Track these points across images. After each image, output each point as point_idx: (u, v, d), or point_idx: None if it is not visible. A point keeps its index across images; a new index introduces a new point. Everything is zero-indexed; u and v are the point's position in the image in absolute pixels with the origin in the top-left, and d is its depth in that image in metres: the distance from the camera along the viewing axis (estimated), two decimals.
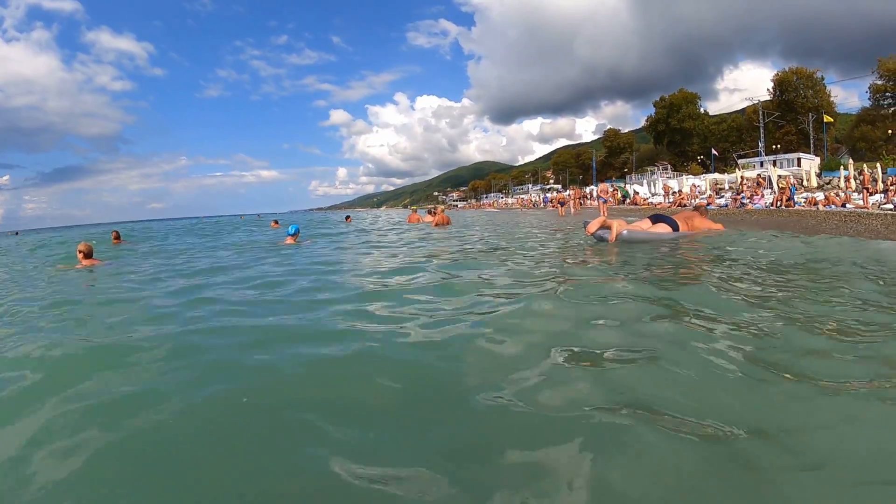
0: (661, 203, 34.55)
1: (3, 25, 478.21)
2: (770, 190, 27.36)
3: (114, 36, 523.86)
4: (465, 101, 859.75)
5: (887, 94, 62.66)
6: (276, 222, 28.16)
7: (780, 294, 4.69)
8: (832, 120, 61.77)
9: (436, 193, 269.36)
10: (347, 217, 36.15)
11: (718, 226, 11.15)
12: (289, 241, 14.20)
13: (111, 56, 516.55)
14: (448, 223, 19.63)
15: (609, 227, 9.69)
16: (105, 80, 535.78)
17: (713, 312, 3.96)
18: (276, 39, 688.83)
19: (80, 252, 10.55)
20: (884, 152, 47.80)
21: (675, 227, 9.87)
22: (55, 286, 7.83)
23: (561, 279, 5.93)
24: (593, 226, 10.05)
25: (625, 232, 9.47)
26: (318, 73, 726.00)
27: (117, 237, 19.40)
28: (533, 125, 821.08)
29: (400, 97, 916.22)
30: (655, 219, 10.12)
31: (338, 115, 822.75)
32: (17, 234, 74.64)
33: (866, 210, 18.49)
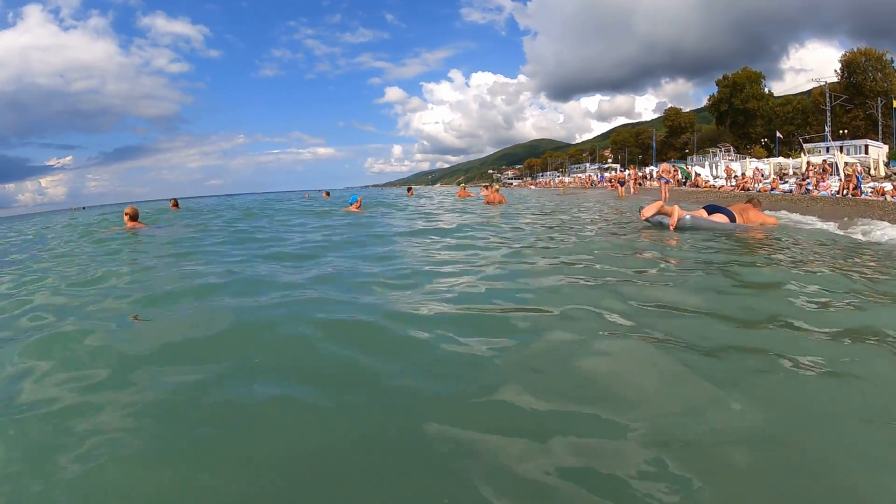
0: (723, 186, 34.12)
1: (59, 14, 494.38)
2: (836, 177, 26.50)
3: (169, 20, 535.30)
4: (521, 78, 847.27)
5: None
6: (328, 193, 32.49)
7: None
8: None
9: (490, 171, 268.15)
10: (409, 189, 37.19)
11: (773, 220, 10.41)
12: (352, 208, 16.58)
13: (167, 40, 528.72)
14: (502, 202, 19.52)
15: (668, 214, 9.33)
16: (162, 63, 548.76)
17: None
18: (330, 18, 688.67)
19: (126, 214, 11.64)
20: None
21: (732, 218, 9.38)
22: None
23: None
24: (649, 210, 9.74)
25: (688, 217, 9.08)
26: (372, 50, 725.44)
27: (175, 204, 21.61)
28: (591, 102, 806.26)
29: (455, 74, 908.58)
30: (711, 209, 9.65)
31: (393, 93, 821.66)
32: (83, 208, 78.84)
33: None
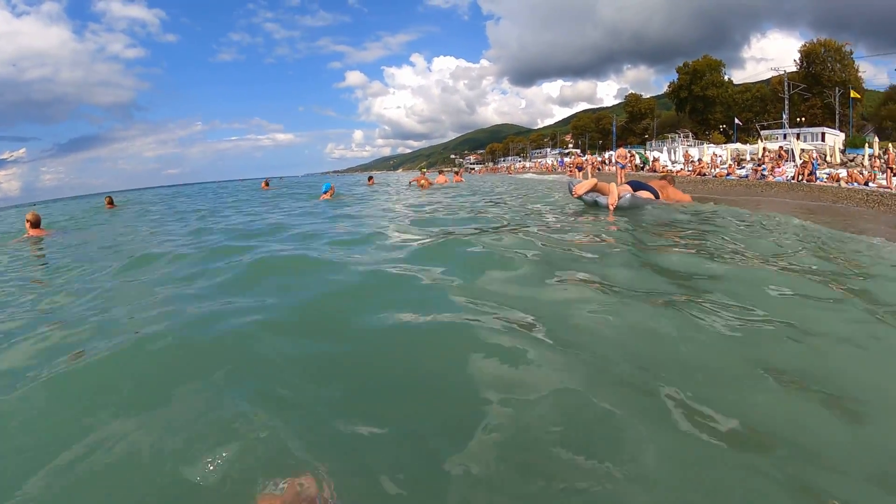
0: (681, 171, 34.34)
1: (11, 1, 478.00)
2: (792, 163, 26.97)
3: (124, 4, 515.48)
4: (484, 63, 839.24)
5: None
6: (267, 183, 31.10)
7: None
8: (859, 96, 60.39)
9: (453, 156, 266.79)
10: (370, 178, 35.79)
11: (687, 197, 10.53)
12: (325, 196, 16.71)
13: (123, 24, 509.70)
14: (428, 185, 21.80)
15: (604, 192, 8.98)
16: (118, 49, 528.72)
17: None
18: (290, 1, 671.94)
19: (27, 221, 10.66)
20: None
21: (656, 195, 9.36)
22: None
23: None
24: (582, 188, 9.46)
25: (628, 196, 8.70)
26: (332, 34, 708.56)
27: (111, 202, 21.12)
28: (553, 88, 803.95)
29: (416, 58, 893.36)
30: (636, 186, 9.40)
31: (353, 77, 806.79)
32: (34, 205, 77.75)
33: (889, 191, 17.99)
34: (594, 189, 9.24)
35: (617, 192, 8.59)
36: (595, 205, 9.07)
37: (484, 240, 5.92)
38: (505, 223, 7.98)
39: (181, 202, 22.20)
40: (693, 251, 5.18)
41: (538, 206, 11.24)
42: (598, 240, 6.21)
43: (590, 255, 5.13)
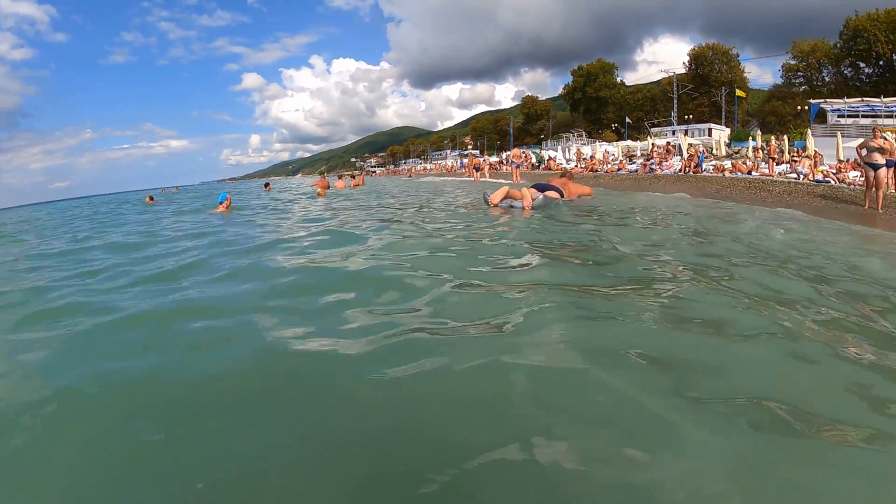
0: (574, 167, 34.89)
1: None
2: (679, 157, 27.88)
3: (13, 0, 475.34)
4: (384, 65, 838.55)
5: (799, 73, 65.34)
6: (152, 198, 27.72)
7: None
8: (744, 94, 63.59)
9: (353, 159, 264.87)
10: (266, 185, 34.71)
11: (588, 189, 12.12)
12: (220, 209, 15.06)
13: (10, 22, 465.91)
14: (326, 188, 21.95)
15: (518, 197, 9.58)
16: (4, 49, 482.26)
17: None
18: None
19: None
20: (792, 126, 49.25)
21: (561, 194, 10.36)
22: None
23: None
24: (497, 196, 9.87)
25: (540, 197, 9.57)
26: (230, 35, 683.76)
27: None
28: (452, 90, 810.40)
29: (316, 60, 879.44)
30: (541, 187, 10.27)
31: (250, 79, 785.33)
32: None
33: (771, 178, 19.21)
34: (508, 196, 9.86)
35: (530, 196, 9.37)
36: (511, 208, 9.59)
37: None
38: None
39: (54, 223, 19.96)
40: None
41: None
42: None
43: None
